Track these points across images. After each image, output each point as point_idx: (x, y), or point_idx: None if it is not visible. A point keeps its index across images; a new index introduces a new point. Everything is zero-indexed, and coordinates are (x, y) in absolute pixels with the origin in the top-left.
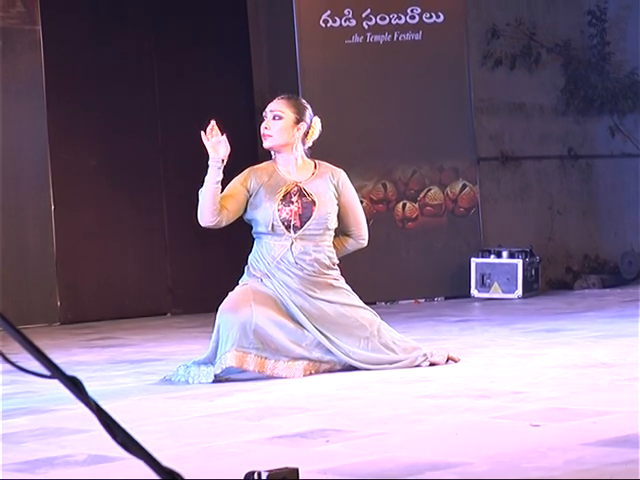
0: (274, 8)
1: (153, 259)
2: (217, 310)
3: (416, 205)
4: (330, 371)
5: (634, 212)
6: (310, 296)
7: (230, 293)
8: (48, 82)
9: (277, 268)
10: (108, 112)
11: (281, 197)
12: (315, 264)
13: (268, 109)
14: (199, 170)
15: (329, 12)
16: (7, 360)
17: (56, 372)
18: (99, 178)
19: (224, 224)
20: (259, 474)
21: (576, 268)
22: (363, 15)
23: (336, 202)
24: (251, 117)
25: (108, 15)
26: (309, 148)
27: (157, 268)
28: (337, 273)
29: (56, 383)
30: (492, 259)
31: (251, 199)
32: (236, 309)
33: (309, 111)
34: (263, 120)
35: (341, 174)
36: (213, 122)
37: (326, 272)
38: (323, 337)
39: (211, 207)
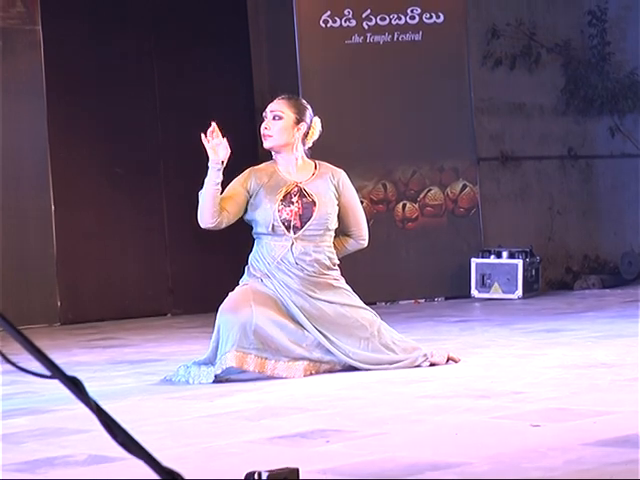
0: (274, 8)
1: (153, 259)
2: (217, 310)
3: (416, 205)
4: (330, 371)
5: (634, 212)
6: (310, 296)
7: (230, 293)
8: (48, 82)
9: (277, 268)
10: (108, 112)
11: (281, 197)
12: (315, 264)
13: (268, 109)
14: (199, 170)
15: (329, 12)
16: (7, 360)
17: (56, 372)
18: (99, 178)
19: (224, 225)
20: (259, 474)
21: (576, 268)
22: (363, 15)
23: (336, 202)
24: (251, 117)
25: (108, 15)
26: (309, 148)
27: (157, 268)
28: (337, 273)
29: (56, 383)
30: (492, 259)
31: (251, 200)
32: (236, 309)
33: (309, 111)
34: (263, 120)
35: (341, 174)
36: (214, 124)
37: (326, 272)
38: (323, 337)
39: (211, 209)
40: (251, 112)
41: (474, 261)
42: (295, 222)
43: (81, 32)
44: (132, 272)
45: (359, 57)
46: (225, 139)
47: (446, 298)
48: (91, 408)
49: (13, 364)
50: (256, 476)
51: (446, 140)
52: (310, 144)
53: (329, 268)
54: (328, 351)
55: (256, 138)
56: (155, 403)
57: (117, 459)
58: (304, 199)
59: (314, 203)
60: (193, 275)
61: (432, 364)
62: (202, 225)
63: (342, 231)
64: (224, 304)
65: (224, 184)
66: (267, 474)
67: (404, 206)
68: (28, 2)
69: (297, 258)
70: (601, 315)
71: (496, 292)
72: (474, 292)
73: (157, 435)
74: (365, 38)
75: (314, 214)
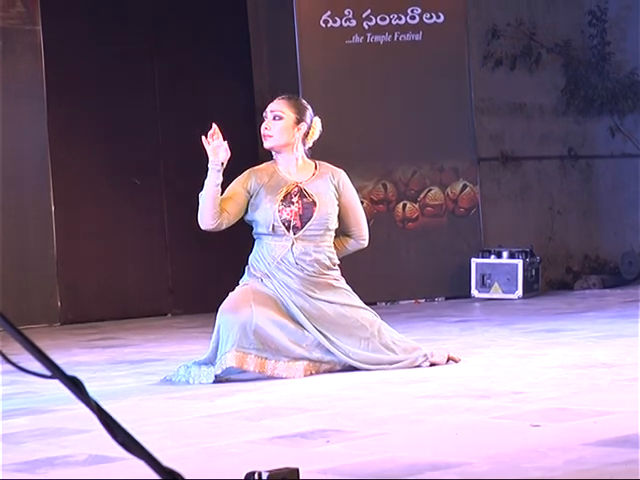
0: (274, 8)
1: (153, 259)
2: (217, 310)
3: (416, 205)
4: (330, 371)
5: (634, 212)
6: (310, 296)
7: (230, 293)
8: (48, 82)
9: (277, 268)
10: (108, 112)
11: (281, 198)
12: (315, 264)
13: (268, 109)
14: (199, 170)
15: (329, 12)
16: (8, 360)
17: (57, 372)
18: (99, 178)
19: (224, 227)
20: (259, 474)
21: (576, 268)
22: (363, 15)
23: (336, 202)
24: (251, 117)
25: (108, 15)
26: (309, 148)
27: (157, 268)
28: (337, 273)
29: (56, 383)
30: (492, 259)
31: (252, 200)
32: (236, 309)
33: (309, 111)
34: (263, 120)
35: (341, 174)
36: (215, 126)
37: (326, 272)
38: (323, 337)
39: (211, 210)
40: (251, 112)
41: (474, 261)
42: (295, 222)
43: (81, 32)
44: (132, 272)
45: (359, 57)
46: (226, 142)
47: (446, 298)
48: (91, 408)
49: (13, 364)
50: (256, 476)
51: (446, 140)
52: (310, 144)
53: (329, 268)
54: (328, 351)
55: (256, 138)
56: (155, 403)
57: (117, 459)
58: (304, 199)
59: (314, 203)
60: (193, 275)
61: (432, 364)
62: (203, 227)
63: (342, 231)
64: (224, 304)
65: (224, 185)
66: (267, 474)
67: (404, 206)
68: (28, 2)
69: (297, 258)
70: (601, 315)
71: (496, 292)
72: (474, 292)
73: (157, 435)
74: (365, 38)
75: (314, 214)
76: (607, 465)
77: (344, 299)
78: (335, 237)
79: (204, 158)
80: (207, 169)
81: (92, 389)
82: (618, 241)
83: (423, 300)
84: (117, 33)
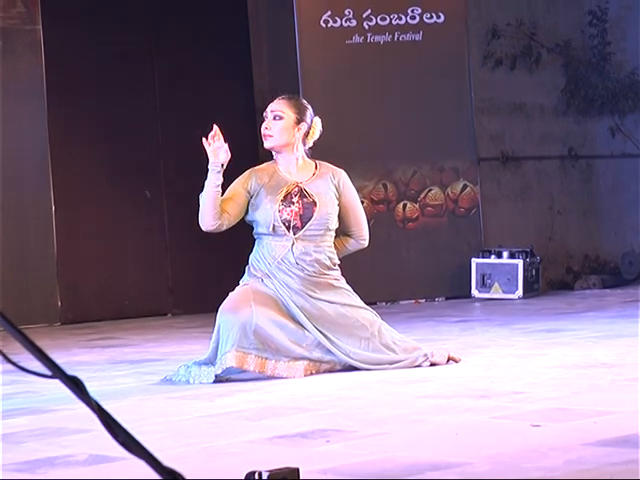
0: (274, 8)
1: (153, 259)
2: (217, 310)
3: (417, 205)
4: (330, 371)
5: (634, 212)
6: (311, 296)
7: (230, 293)
8: (48, 82)
9: (278, 268)
10: (108, 112)
11: (282, 198)
12: (316, 264)
13: (269, 109)
14: (199, 170)
15: (329, 12)
16: (8, 360)
17: (57, 372)
18: (99, 178)
19: (225, 228)
20: (260, 474)
21: (576, 268)
22: (364, 15)
23: (337, 202)
24: (251, 117)
25: (108, 15)
26: (310, 148)
27: (157, 268)
28: (338, 273)
29: (57, 383)
30: (492, 259)
31: (252, 200)
32: (236, 309)
33: (310, 111)
34: (264, 120)
35: (342, 174)
36: (216, 128)
37: (327, 272)
38: (323, 337)
39: (212, 211)
40: (251, 112)
41: (474, 261)
42: (296, 222)
43: (81, 32)
44: (132, 272)
45: (359, 57)
46: (226, 143)
47: (446, 298)
48: (92, 408)
49: (14, 364)
50: (256, 476)
51: (446, 140)
52: (310, 144)
53: (329, 268)
54: (328, 351)
55: (256, 138)
56: (155, 403)
57: (118, 459)
58: (305, 199)
59: (314, 203)
60: (193, 275)
61: (432, 364)
62: (203, 228)
63: (343, 231)
64: (224, 304)
65: (224, 185)
66: (267, 474)
67: (404, 206)
68: (28, 2)
69: (297, 258)
70: (601, 315)
71: (496, 292)
72: (474, 292)
73: (158, 435)
74: (365, 38)
75: (315, 214)
76: (607, 465)
77: (344, 299)
78: (335, 237)
79: (204, 158)
80: (207, 169)
81: (92, 389)
82: (618, 241)
83: (423, 300)
84: (117, 33)
